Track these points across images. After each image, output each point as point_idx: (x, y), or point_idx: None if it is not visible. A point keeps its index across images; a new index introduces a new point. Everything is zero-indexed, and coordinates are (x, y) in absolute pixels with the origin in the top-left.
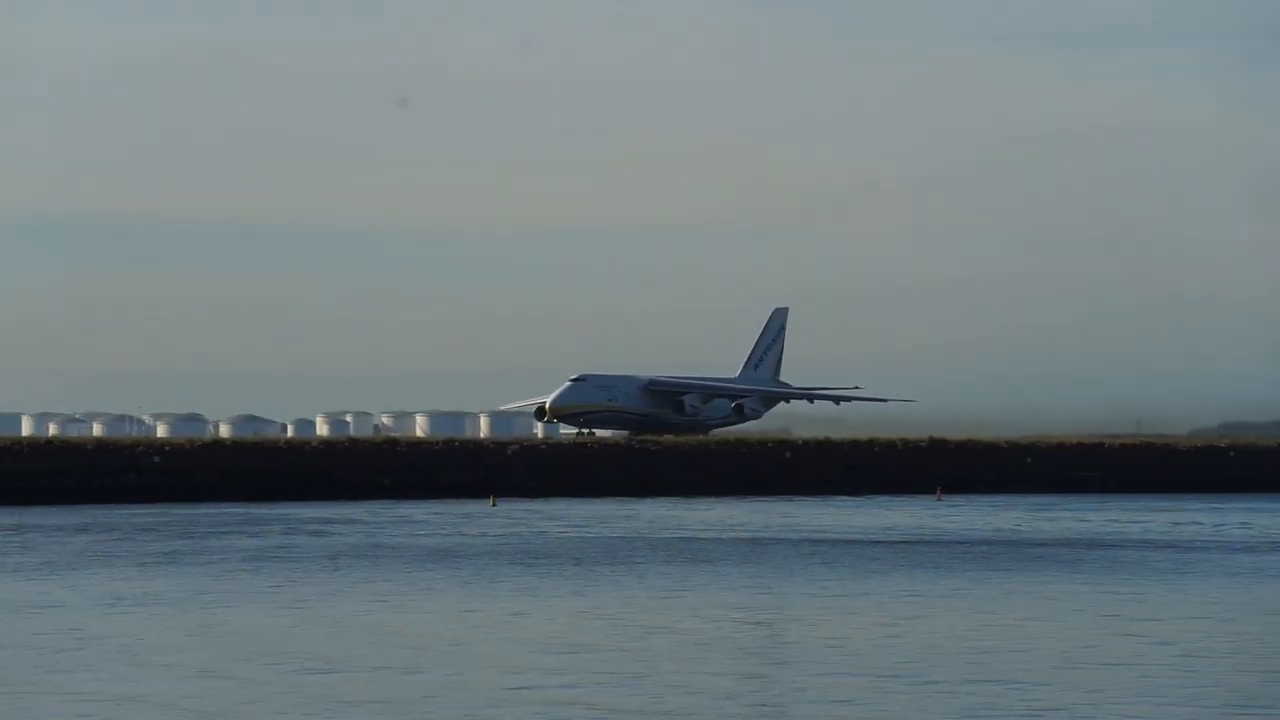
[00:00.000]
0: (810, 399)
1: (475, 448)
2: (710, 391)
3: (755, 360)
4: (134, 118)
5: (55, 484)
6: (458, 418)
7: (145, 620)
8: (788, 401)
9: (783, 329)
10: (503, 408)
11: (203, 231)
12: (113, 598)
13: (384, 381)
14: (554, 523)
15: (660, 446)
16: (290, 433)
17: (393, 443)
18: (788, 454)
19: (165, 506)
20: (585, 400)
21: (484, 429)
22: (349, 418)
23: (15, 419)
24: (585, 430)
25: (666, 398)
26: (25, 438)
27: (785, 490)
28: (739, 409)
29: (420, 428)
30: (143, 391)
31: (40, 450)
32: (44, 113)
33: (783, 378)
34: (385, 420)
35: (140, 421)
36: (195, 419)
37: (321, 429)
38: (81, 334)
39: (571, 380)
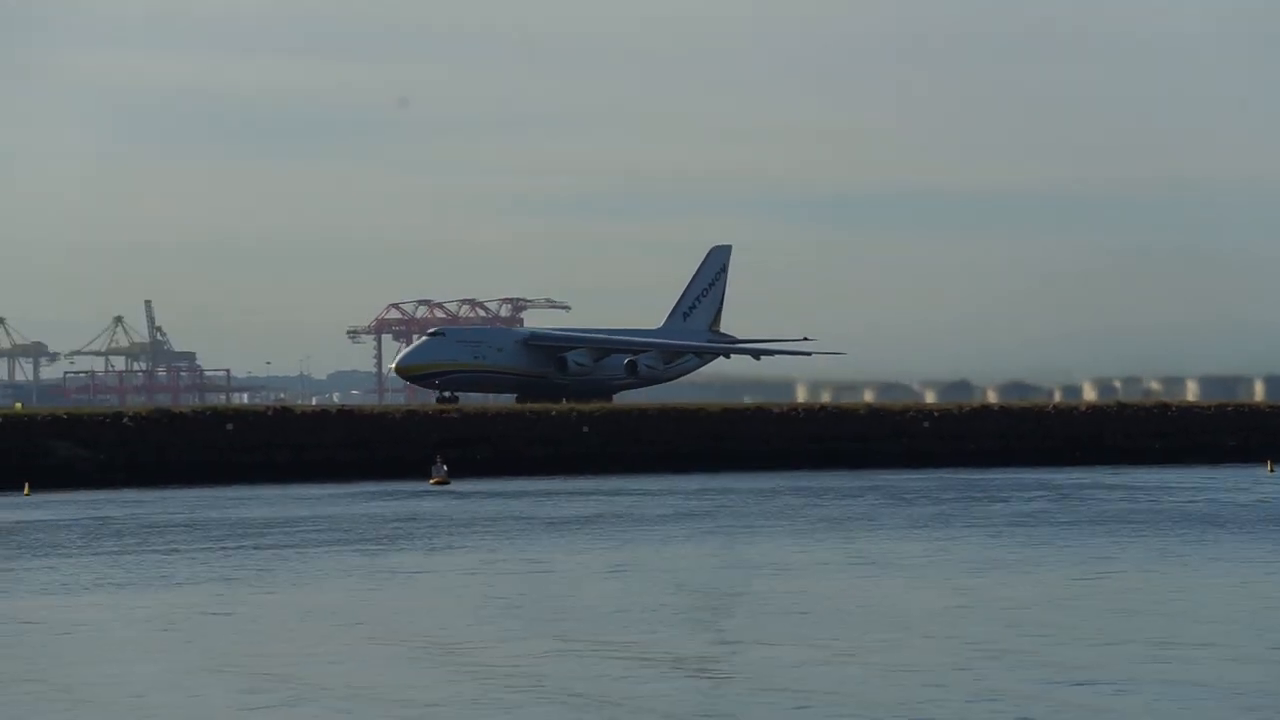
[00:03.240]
0: (728, 354)
1: (1250, 412)
2: (602, 346)
3: (685, 308)
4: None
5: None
6: (1231, 382)
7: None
8: (699, 356)
9: (724, 270)
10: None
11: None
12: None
13: (1152, 345)
14: None
15: None
16: (1057, 398)
17: (1164, 407)
18: None
19: (934, 471)
20: (441, 359)
21: (1259, 393)
22: (1117, 383)
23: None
24: (446, 395)
25: (548, 355)
26: (802, 404)
27: None
28: (632, 366)
29: (1191, 392)
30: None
31: (815, 415)
32: None
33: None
34: (1154, 385)
35: (908, 388)
36: (963, 385)
37: (1089, 394)
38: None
39: (428, 334)
